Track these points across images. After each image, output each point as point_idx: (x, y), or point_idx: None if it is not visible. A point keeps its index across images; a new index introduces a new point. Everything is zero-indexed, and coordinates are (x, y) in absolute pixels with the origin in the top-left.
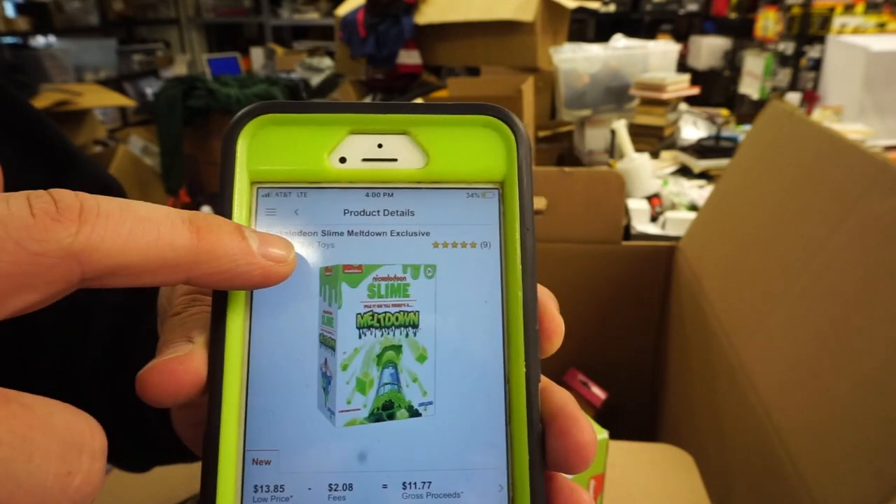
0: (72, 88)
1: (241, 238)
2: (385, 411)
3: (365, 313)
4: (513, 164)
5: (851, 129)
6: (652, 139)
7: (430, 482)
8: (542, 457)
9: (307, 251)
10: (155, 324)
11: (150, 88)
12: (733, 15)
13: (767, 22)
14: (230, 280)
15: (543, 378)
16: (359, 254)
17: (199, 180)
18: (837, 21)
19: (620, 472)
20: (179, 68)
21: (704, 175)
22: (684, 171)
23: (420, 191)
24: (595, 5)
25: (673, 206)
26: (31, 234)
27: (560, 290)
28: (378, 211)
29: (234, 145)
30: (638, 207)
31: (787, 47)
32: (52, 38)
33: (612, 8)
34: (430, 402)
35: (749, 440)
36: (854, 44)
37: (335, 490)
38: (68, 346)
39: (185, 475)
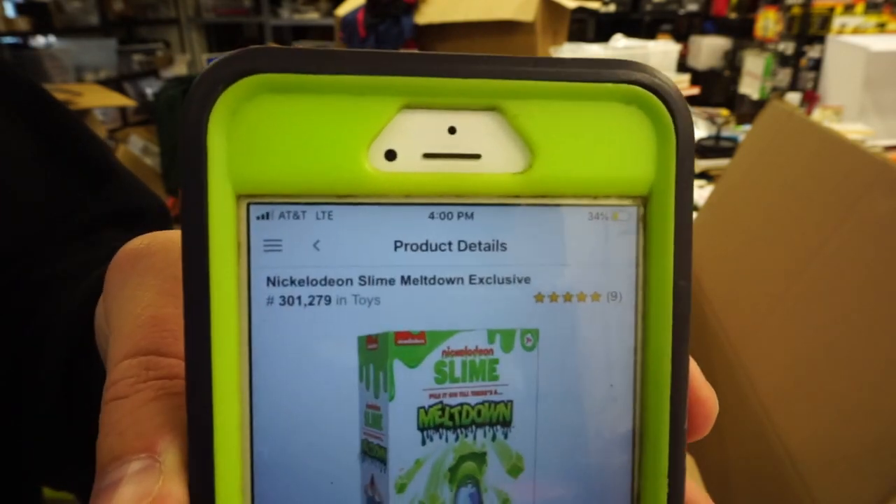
0: (72, 88)
1: None
2: None
3: (431, 407)
4: (667, 168)
5: (851, 129)
6: None
7: None
8: None
9: (336, 313)
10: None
11: (150, 88)
12: (733, 15)
13: (767, 22)
14: None
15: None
16: (419, 314)
17: None
18: (837, 21)
19: None
20: (179, 68)
21: (704, 175)
22: None
23: (518, 209)
24: (595, 5)
25: None
26: None
27: None
28: (449, 244)
29: (201, 134)
30: None
31: (787, 47)
32: (52, 38)
33: (612, 8)
34: None
35: (749, 440)
36: (854, 44)
37: None
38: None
39: None
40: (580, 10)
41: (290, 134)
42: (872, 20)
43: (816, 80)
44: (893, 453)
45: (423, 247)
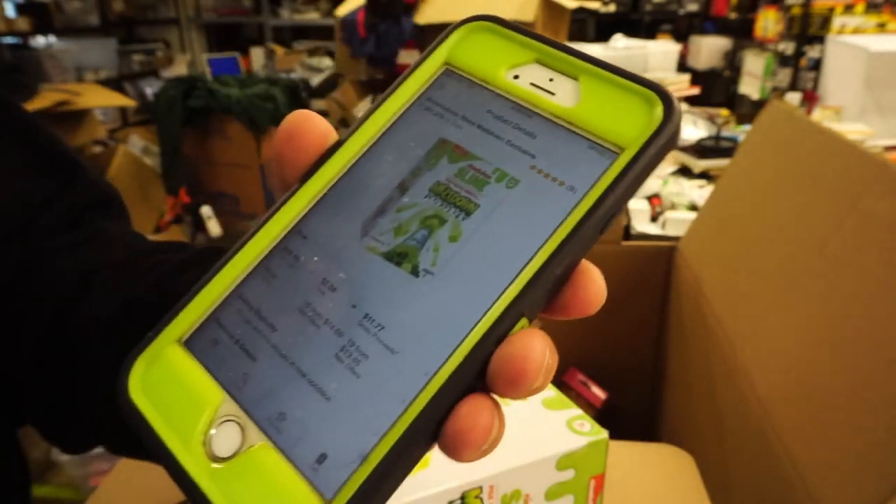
0: (72, 88)
1: None
2: (397, 257)
3: (443, 183)
4: (643, 138)
5: (851, 129)
6: None
7: (383, 328)
8: (473, 375)
9: (441, 121)
10: (97, 310)
11: (150, 88)
12: (733, 15)
13: (767, 22)
14: None
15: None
16: (473, 143)
17: (199, 180)
18: (837, 21)
19: (620, 472)
20: (179, 68)
21: (704, 175)
22: (684, 171)
23: (553, 124)
24: (595, 5)
25: (673, 206)
26: None
27: None
28: (511, 122)
29: (451, 32)
30: (638, 207)
31: (787, 47)
32: (52, 38)
33: (612, 8)
34: (431, 274)
35: (749, 440)
36: (854, 44)
37: (324, 284)
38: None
39: None
40: (580, 10)
41: (480, 48)
42: (872, 20)
43: (816, 80)
44: (893, 453)
45: (499, 118)
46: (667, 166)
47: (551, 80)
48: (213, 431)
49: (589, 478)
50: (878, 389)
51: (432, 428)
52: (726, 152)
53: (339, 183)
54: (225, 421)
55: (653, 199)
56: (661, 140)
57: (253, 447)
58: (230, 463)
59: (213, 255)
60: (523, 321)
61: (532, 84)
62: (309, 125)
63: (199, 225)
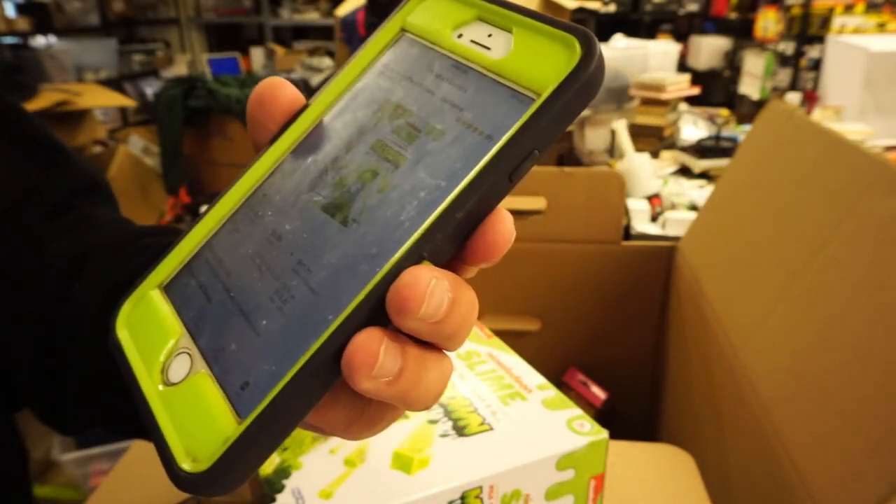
0: (72, 88)
1: None
2: (333, 208)
3: (381, 140)
4: (557, 81)
5: (851, 129)
6: (652, 139)
7: (310, 271)
8: (373, 310)
9: (391, 83)
10: (86, 296)
11: (150, 88)
12: (733, 15)
13: (767, 22)
14: None
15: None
16: (414, 102)
17: (199, 180)
18: (837, 21)
19: (620, 472)
20: (179, 68)
21: (704, 175)
22: (684, 171)
23: (484, 77)
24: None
25: (673, 206)
26: None
27: (560, 290)
28: (449, 79)
29: (406, 1)
30: (638, 207)
31: (787, 47)
32: (52, 38)
33: (612, 8)
34: (357, 223)
35: (749, 440)
36: (854, 44)
37: (273, 235)
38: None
39: None
40: (580, 10)
41: (432, 12)
42: (872, 20)
43: (816, 80)
44: (893, 453)
45: (438, 76)
46: (667, 166)
47: (490, 35)
48: (171, 361)
49: (589, 478)
50: (878, 389)
51: (332, 358)
52: (726, 152)
53: (298, 145)
54: (180, 352)
55: (653, 199)
56: (575, 83)
57: (196, 374)
58: (177, 387)
59: None
60: (426, 263)
61: (472, 41)
62: (279, 91)
63: None
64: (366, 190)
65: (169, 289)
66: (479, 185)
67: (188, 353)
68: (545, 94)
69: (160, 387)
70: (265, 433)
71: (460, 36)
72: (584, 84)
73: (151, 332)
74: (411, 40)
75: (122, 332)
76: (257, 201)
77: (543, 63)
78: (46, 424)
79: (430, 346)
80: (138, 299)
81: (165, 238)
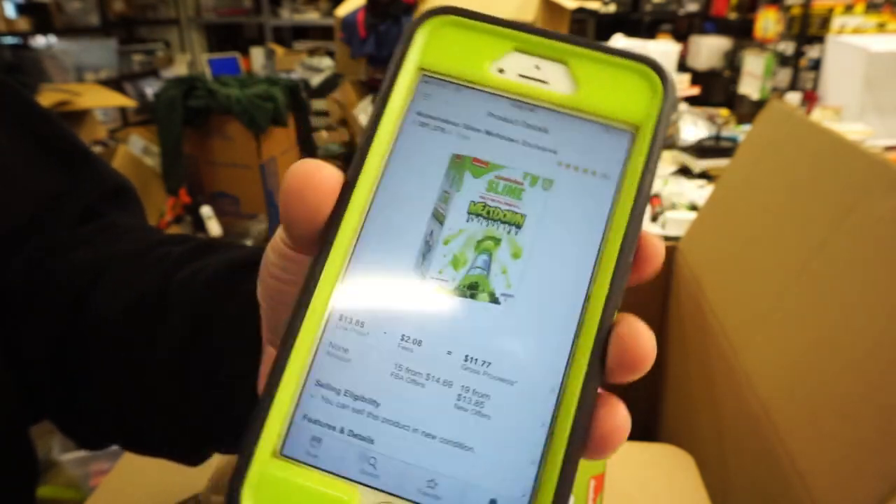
0: (72, 88)
1: None
2: (469, 290)
3: (479, 202)
4: (653, 113)
5: (851, 129)
6: None
7: (489, 363)
8: (599, 372)
9: (446, 138)
10: (104, 308)
11: (150, 88)
12: (733, 15)
13: (767, 22)
14: None
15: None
16: (489, 152)
17: (199, 180)
18: (837, 21)
19: (620, 472)
20: (179, 68)
21: (704, 175)
22: (684, 171)
23: (560, 114)
24: (595, 5)
25: (673, 206)
26: None
27: None
28: (517, 121)
29: (413, 33)
30: None
31: (787, 47)
32: (52, 38)
33: (612, 8)
34: (511, 296)
35: (749, 440)
36: (854, 44)
37: (406, 341)
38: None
39: (186, 475)
40: (580, 10)
41: (454, 46)
42: (872, 20)
43: (816, 81)
44: (893, 453)
45: (503, 119)
46: (667, 166)
47: (538, 67)
48: None
49: (589, 478)
50: (878, 389)
51: (582, 439)
52: (726, 152)
53: (365, 231)
54: None
55: (653, 199)
56: (668, 111)
57: None
58: None
59: (208, 249)
60: (627, 314)
61: (521, 76)
62: (318, 177)
63: (200, 225)
64: (497, 259)
65: (293, 451)
66: (634, 223)
67: None
68: (649, 125)
69: None
70: None
71: (502, 71)
72: (672, 109)
73: None
74: (440, 81)
75: None
76: (352, 309)
77: (624, 94)
78: (68, 437)
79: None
80: (260, 481)
81: (177, 248)
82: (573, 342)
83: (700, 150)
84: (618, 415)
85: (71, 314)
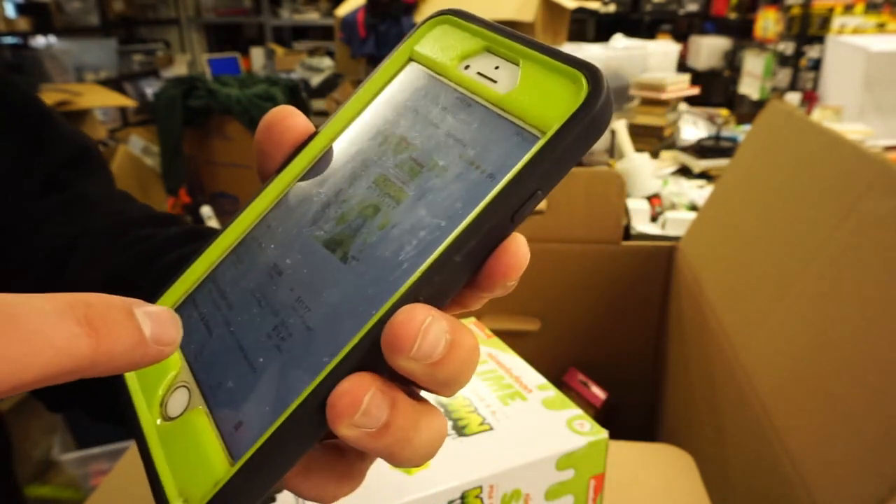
0: (72, 88)
1: (136, 330)
2: (334, 244)
3: (383, 175)
4: (562, 119)
5: (851, 129)
6: (652, 139)
7: (309, 310)
8: (367, 351)
9: (397, 114)
10: (77, 285)
11: (150, 88)
12: (733, 15)
13: (767, 22)
14: (122, 370)
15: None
16: (418, 136)
17: (199, 180)
18: (837, 21)
19: (620, 472)
20: (179, 68)
21: (704, 175)
22: (684, 171)
23: (489, 111)
24: (595, 5)
25: (673, 206)
26: None
27: (560, 290)
28: (453, 112)
29: (418, 27)
30: (638, 207)
31: (787, 47)
32: (52, 38)
33: (612, 8)
34: (357, 261)
35: (749, 440)
36: (854, 44)
37: (274, 269)
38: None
39: None
40: (580, 10)
41: (442, 42)
42: (872, 20)
43: (816, 80)
44: (893, 453)
45: (444, 109)
46: (667, 166)
47: (497, 67)
48: (170, 394)
49: (589, 478)
50: (878, 389)
51: (319, 410)
52: (726, 152)
53: (303, 176)
54: (179, 386)
55: (653, 199)
56: (581, 122)
57: (192, 410)
58: (174, 422)
59: (196, 236)
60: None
61: (479, 73)
62: (289, 121)
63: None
64: (367, 226)
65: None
66: (479, 226)
67: (186, 387)
68: (550, 133)
69: (158, 421)
70: (255, 479)
71: (467, 67)
72: (589, 122)
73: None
74: (419, 70)
75: None
76: (261, 233)
77: (549, 99)
78: (35, 397)
79: (425, 402)
80: None
81: (162, 231)
82: (365, 322)
83: (700, 150)
84: (351, 393)
85: (41, 289)
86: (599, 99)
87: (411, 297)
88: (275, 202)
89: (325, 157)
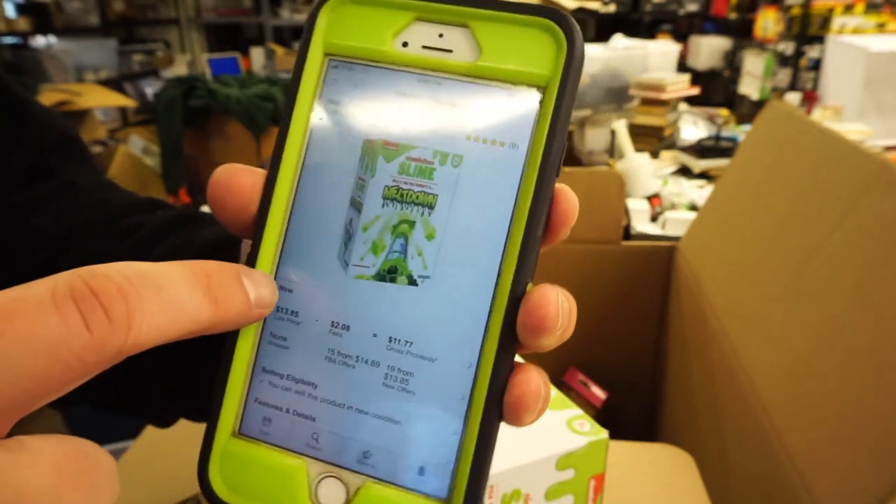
0: (72, 88)
1: (245, 296)
2: (389, 274)
3: (392, 186)
4: (559, 71)
5: (851, 129)
6: (652, 139)
7: (412, 343)
8: (511, 343)
9: (357, 121)
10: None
11: (150, 88)
12: (733, 15)
13: (767, 22)
14: (228, 330)
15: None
16: (399, 133)
17: (199, 180)
18: (837, 21)
19: (620, 472)
20: (179, 68)
21: (704, 175)
22: (684, 171)
23: (466, 84)
24: (595, 5)
25: (673, 206)
26: (92, 351)
27: None
28: (425, 96)
29: (315, 17)
30: (638, 207)
31: (787, 47)
32: (52, 38)
33: (612, 8)
34: (428, 277)
35: (749, 440)
36: (854, 44)
37: (336, 327)
38: None
39: (186, 474)
40: (580, 10)
41: (356, 25)
42: (872, 20)
43: (816, 81)
44: (893, 453)
45: (410, 97)
46: (667, 166)
47: (441, 35)
48: (316, 494)
49: (589, 478)
50: (878, 389)
51: (498, 408)
52: (726, 152)
53: (291, 226)
54: (321, 479)
55: (653, 199)
56: (577, 65)
57: (360, 489)
58: None
59: (187, 221)
60: (528, 285)
61: (425, 47)
62: (236, 183)
63: None
64: (412, 242)
65: (249, 431)
66: (541, 196)
67: (332, 476)
68: (554, 85)
69: None
70: (477, 492)
71: (405, 45)
72: (579, 64)
73: (267, 481)
74: (346, 64)
75: (231, 497)
76: (285, 300)
77: (527, 54)
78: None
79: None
80: (222, 458)
81: (151, 218)
82: (487, 317)
83: (700, 150)
84: (530, 381)
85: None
86: (578, 40)
87: (521, 284)
88: (276, 266)
89: (301, 197)
